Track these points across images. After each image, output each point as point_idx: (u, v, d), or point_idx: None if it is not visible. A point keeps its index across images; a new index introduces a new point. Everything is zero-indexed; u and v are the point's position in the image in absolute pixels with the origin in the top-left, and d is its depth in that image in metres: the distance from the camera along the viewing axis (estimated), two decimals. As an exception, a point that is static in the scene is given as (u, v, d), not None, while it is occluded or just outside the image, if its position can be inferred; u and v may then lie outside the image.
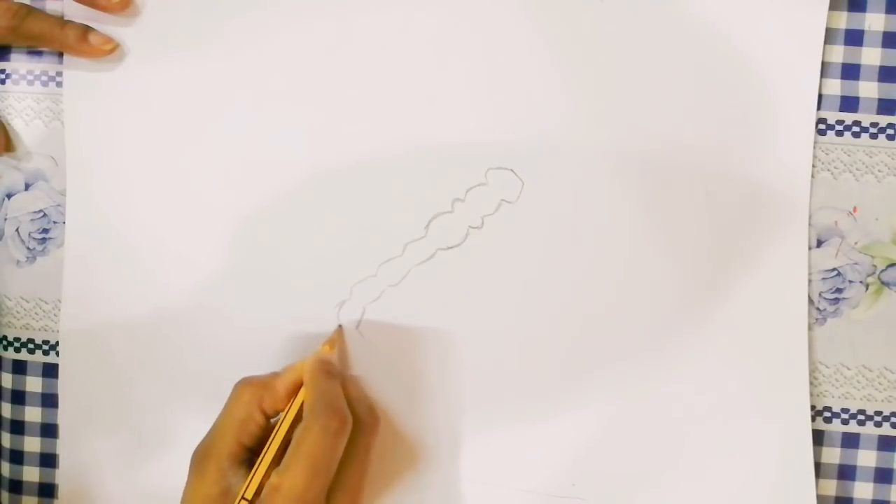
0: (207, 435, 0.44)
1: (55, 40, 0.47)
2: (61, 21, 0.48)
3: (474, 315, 0.48)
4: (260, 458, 0.42)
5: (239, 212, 0.49)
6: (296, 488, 0.41)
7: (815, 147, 0.48)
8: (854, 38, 0.47)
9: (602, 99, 0.48)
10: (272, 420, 0.44)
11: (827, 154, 0.48)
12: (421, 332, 0.48)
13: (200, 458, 0.43)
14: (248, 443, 0.44)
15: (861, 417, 0.49)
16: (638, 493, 0.48)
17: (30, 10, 0.47)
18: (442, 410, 0.48)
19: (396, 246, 0.48)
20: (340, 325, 0.48)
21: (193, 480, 0.43)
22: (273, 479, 0.41)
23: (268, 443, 0.43)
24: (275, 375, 0.45)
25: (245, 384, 0.44)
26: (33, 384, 0.50)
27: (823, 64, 0.47)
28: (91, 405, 0.49)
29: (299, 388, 0.44)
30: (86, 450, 0.49)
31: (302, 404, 0.44)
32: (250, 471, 0.42)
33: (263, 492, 0.41)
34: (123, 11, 0.48)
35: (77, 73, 0.49)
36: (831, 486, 0.49)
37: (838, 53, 0.47)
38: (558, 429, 0.48)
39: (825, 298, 0.48)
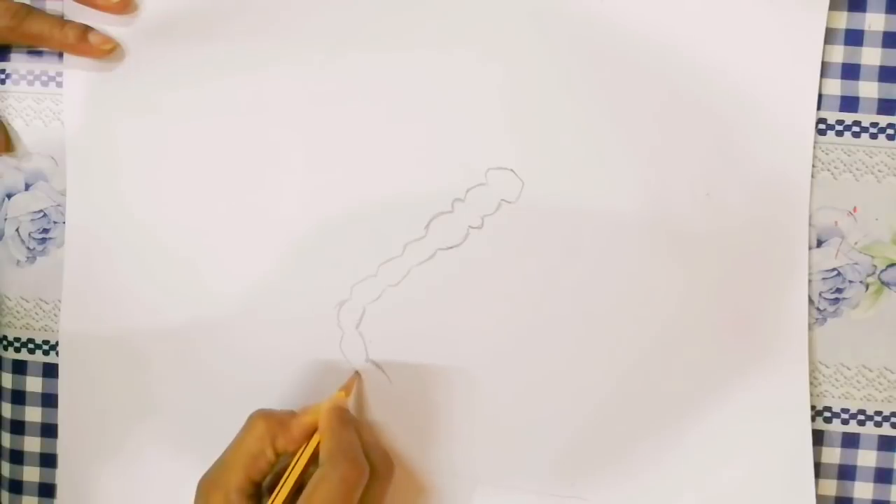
0: (216, 465, 0.43)
1: (55, 40, 0.47)
2: (61, 21, 0.48)
3: (474, 315, 0.48)
4: (271, 500, 0.42)
5: (239, 212, 0.49)
6: None
7: (815, 147, 0.48)
8: (854, 38, 0.47)
9: (602, 98, 0.48)
10: (281, 458, 0.44)
11: (827, 154, 0.48)
12: (421, 332, 0.48)
13: (208, 488, 0.43)
14: (256, 478, 0.43)
15: (861, 417, 0.49)
16: (637, 493, 0.48)
17: (30, 10, 0.47)
18: (440, 409, 0.48)
19: (396, 246, 0.48)
20: (357, 372, 0.48)
21: None
22: None
23: (280, 484, 0.43)
24: (290, 414, 0.44)
25: (260, 418, 0.44)
26: (33, 384, 0.50)
27: (823, 64, 0.47)
28: (91, 405, 0.49)
29: (313, 430, 0.44)
30: (85, 450, 0.49)
31: (316, 448, 0.43)
32: None
33: None
34: (123, 11, 0.48)
35: (77, 73, 0.49)
36: (831, 486, 0.49)
37: (838, 53, 0.47)
38: (558, 428, 0.48)
39: (825, 298, 0.48)
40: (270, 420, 0.44)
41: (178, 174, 0.49)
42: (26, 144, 0.49)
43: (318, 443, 0.44)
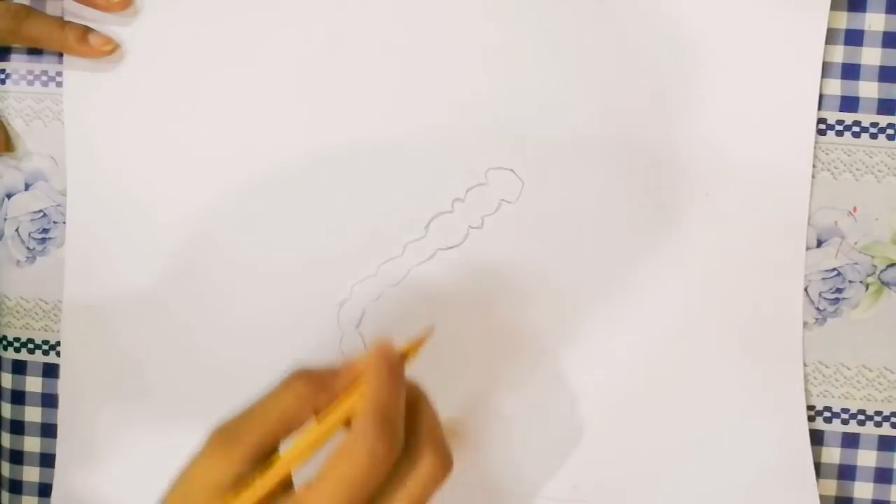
0: (240, 415, 0.37)
1: (55, 41, 0.47)
2: (61, 22, 0.47)
3: (474, 315, 0.48)
4: (288, 454, 0.37)
5: (239, 211, 0.49)
6: None
7: (815, 147, 0.48)
8: (854, 38, 0.47)
9: (602, 99, 0.48)
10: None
11: (827, 154, 0.48)
12: (420, 331, 0.48)
13: (225, 437, 0.37)
14: (283, 438, 0.37)
15: (861, 417, 0.49)
16: (639, 494, 0.48)
17: (29, 12, 0.47)
18: (440, 410, 0.48)
19: (396, 246, 0.48)
20: (434, 325, 0.41)
21: (207, 460, 0.37)
22: (299, 490, 0.36)
23: (301, 440, 0.37)
24: (334, 373, 0.38)
25: (303, 377, 0.37)
26: (33, 384, 0.50)
27: (823, 64, 0.47)
28: (91, 405, 0.49)
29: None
30: (85, 450, 0.49)
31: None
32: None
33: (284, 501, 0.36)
34: (123, 11, 0.48)
35: (77, 73, 0.49)
36: (831, 486, 0.49)
37: (838, 53, 0.47)
38: (559, 431, 0.48)
39: (825, 298, 0.48)
40: (313, 379, 0.37)
41: (178, 174, 0.49)
42: (26, 144, 0.49)
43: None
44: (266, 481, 0.36)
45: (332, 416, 0.37)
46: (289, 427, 0.37)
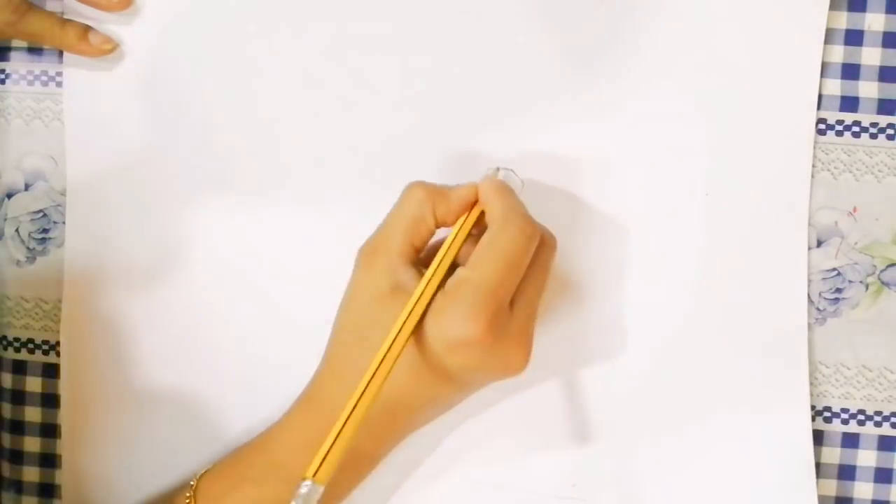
0: (376, 231, 0.43)
1: (55, 38, 0.47)
2: (62, 19, 0.47)
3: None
4: (441, 255, 0.41)
5: (239, 211, 0.49)
6: (489, 282, 0.40)
7: (815, 147, 0.48)
8: (854, 38, 0.47)
9: (602, 99, 0.48)
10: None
11: (827, 154, 0.48)
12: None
13: (369, 252, 0.43)
14: (417, 243, 0.43)
15: (861, 417, 0.49)
16: (638, 494, 0.48)
17: (30, 7, 0.47)
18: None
19: (396, 246, 0.48)
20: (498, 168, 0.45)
21: (362, 274, 0.42)
22: (462, 272, 0.41)
23: (445, 246, 0.42)
24: (446, 187, 0.43)
25: (419, 184, 0.43)
26: (33, 384, 0.50)
27: (823, 64, 0.47)
28: (91, 405, 0.49)
29: (471, 204, 0.43)
30: (87, 450, 0.49)
31: (474, 223, 0.43)
32: (418, 271, 0.42)
33: (449, 284, 0.41)
34: (123, 11, 0.48)
35: (77, 73, 0.49)
36: (831, 486, 0.49)
37: (838, 53, 0.47)
38: (558, 429, 0.48)
39: (825, 298, 0.48)
40: (428, 187, 0.43)
41: (178, 174, 0.49)
42: (26, 144, 0.49)
43: (478, 214, 0.43)
44: (428, 282, 0.41)
45: (465, 226, 0.43)
46: (417, 231, 0.42)
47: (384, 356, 0.39)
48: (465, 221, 0.43)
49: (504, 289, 0.41)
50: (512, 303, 0.41)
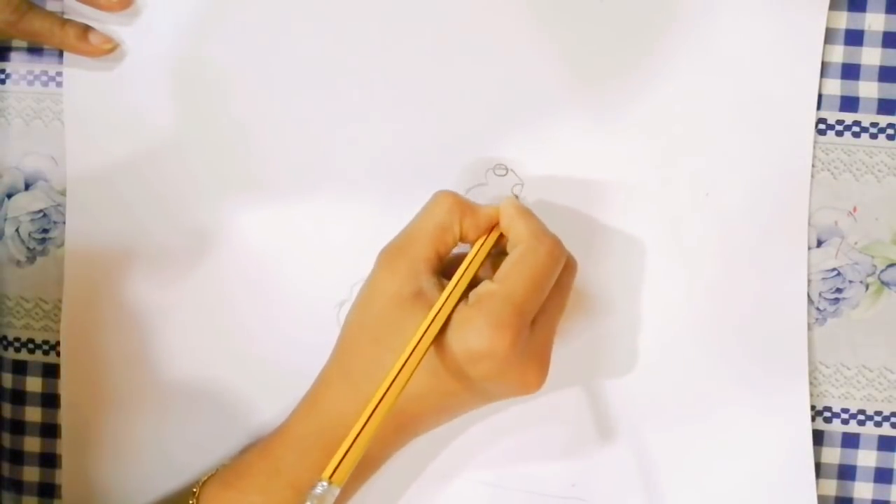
0: (401, 235, 0.43)
1: (55, 38, 0.47)
2: (62, 19, 0.47)
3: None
4: (464, 267, 0.41)
5: (239, 211, 0.49)
6: (515, 296, 0.40)
7: (815, 147, 0.48)
8: (854, 38, 0.47)
9: (602, 99, 0.48)
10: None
11: (827, 154, 0.48)
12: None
13: (393, 255, 0.42)
14: (441, 252, 0.43)
15: (861, 417, 0.49)
16: (638, 493, 0.48)
17: (30, 6, 0.47)
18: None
19: (396, 246, 0.48)
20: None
21: (383, 277, 0.42)
22: (488, 285, 0.41)
23: (468, 258, 0.42)
24: (473, 203, 0.44)
25: (449, 194, 0.43)
26: (33, 384, 0.50)
27: (823, 64, 0.47)
28: (91, 405, 0.49)
29: (494, 226, 0.43)
30: (88, 450, 0.49)
31: (495, 242, 0.43)
32: (440, 281, 0.42)
33: (473, 296, 0.41)
34: (123, 11, 0.48)
35: (77, 73, 0.49)
36: (831, 486, 0.49)
37: (838, 53, 0.47)
38: (558, 430, 0.48)
39: (825, 298, 0.48)
40: (458, 198, 0.43)
41: (178, 174, 0.49)
42: (26, 144, 0.49)
43: (499, 236, 0.43)
44: (451, 291, 0.41)
45: (488, 242, 0.43)
46: (443, 239, 0.42)
47: (405, 363, 0.39)
48: (486, 239, 0.43)
49: (529, 305, 0.41)
50: (533, 322, 0.41)
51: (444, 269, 0.43)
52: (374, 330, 0.42)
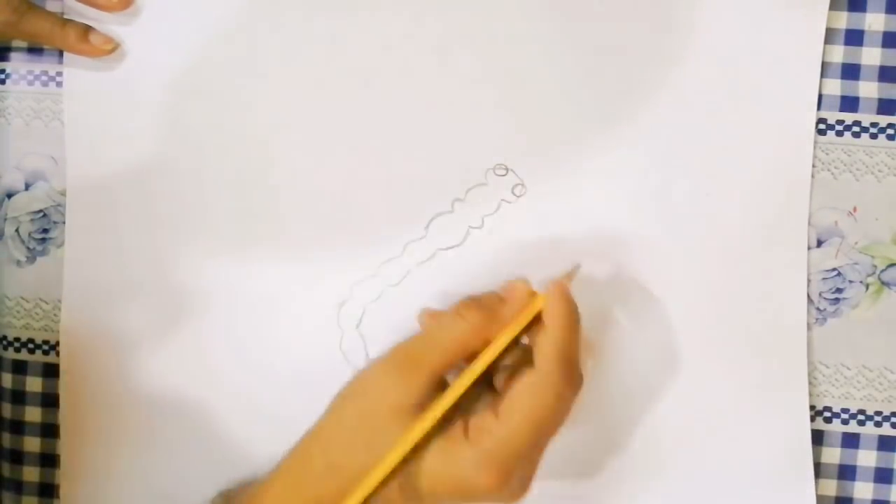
0: (418, 340, 0.40)
1: (55, 38, 0.47)
2: (62, 19, 0.47)
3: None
4: (465, 379, 0.39)
5: (239, 212, 0.49)
6: (511, 443, 0.38)
7: (815, 147, 0.48)
8: (854, 38, 0.47)
9: (602, 99, 0.48)
10: None
11: (827, 154, 0.48)
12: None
13: (407, 362, 0.40)
14: (455, 363, 0.40)
15: (861, 417, 0.49)
16: (638, 493, 0.48)
17: (30, 7, 0.47)
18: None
19: (396, 246, 0.48)
20: (579, 263, 0.43)
21: (389, 380, 0.39)
22: (488, 420, 0.38)
23: (476, 363, 0.39)
24: (501, 300, 0.41)
25: (475, 306, 0.40)
26: (33, 384, 0.50)
27: (823, 64, 0.47)
28: (91, 405, 0.49)
29: (525, 319, 0.40)
30: (87, 450, 0.49)
31: (517, 337, 0.40)
32: (441, 390, 0.39)
33: (471, 430, 0.38)
34: (123, 11, 0.48)
35: (77, 73, 0.48)
36: (831, 486, 0.49)
37: (838, 53, 0.47)
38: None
39: (825, 298, 0.48)
40: (484, 308, 0.40)
41: (177, 174, 0.49)
42: (26, 144, 0.49)
43: (529, 331, 0.40)
44: (444, 403, 0.38)
45: (500, 342, 0.40)
46: (463, 355, 0.40)
47: (384, 476, 0.38)
48: (505, 335, 0.40)
49: (528, 450, 0.39)
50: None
51: None
52: (366, 421, 0.40)
